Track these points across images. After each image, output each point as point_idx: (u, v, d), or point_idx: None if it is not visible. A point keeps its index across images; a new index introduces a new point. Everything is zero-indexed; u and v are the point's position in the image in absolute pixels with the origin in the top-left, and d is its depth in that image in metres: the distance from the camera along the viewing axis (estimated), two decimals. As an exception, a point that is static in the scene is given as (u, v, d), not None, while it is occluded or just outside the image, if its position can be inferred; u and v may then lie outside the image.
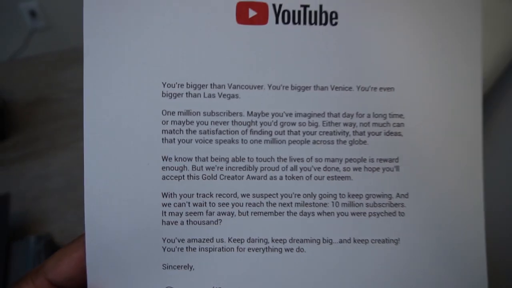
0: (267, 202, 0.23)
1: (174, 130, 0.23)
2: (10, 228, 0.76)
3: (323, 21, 0.22)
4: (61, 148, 0.91)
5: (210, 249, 0.23)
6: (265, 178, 0.23)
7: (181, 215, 0.23)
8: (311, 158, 0.23)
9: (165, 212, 0.23)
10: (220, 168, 0.23)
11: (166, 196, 0.23)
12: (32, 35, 1.10)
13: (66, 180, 0.87)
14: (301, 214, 0.23)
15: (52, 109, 1.00)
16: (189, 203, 0.23)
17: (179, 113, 0.23)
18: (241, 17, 0.22)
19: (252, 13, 0.22)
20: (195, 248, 0.23)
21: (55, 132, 0.95)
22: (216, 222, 0.23)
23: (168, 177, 0.23)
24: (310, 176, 0.23)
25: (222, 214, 0.23)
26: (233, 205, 0.23)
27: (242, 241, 0.23)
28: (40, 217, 0.81)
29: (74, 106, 0.98)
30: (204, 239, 0.23)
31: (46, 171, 0.89)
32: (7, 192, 0.81)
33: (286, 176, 0.23)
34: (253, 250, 0.23)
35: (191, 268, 0.23)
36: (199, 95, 0.23)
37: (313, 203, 0.23)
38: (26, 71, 1.08)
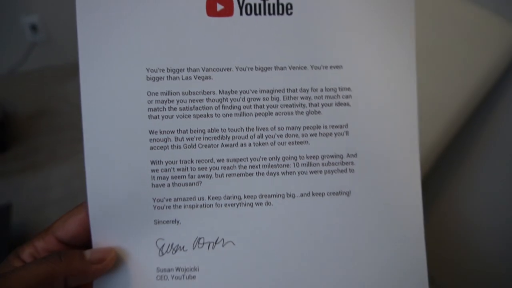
0: (239, 165, 0.29)
1: (158, 108, 0.28)
2: (11, 238, 0.80)
3: (280, 12, 0.28)
4: (61, 160, 0.97)
5: (193, 206, 0.29)
6: (236, 145, 0.29)
7: (167, 178, 0.29)
8: (275, 127, 0.29)
9: (154, 177, 0.29)
10: (198, 139, 0.29)
11: (154, 163, 0.29)
12: (33, 48, 1.16)
13: (66, 191, 0.91)
14: (268, 174, 0.29)
15: (53, 122, 1.05)
16: (173, 168, 0.29)
17: (162, 93, 0.28)
18: (211, 10, 0.28)
19: (219, 7, 0.28)
20: (181, 206, 0.29)
21: (56, 144, 1.00)
22: (197, 184, 0.29)
23: (155, 148, 0.28)
24: (274, 142, 0.29)
25: (202, 177, 0.29)
26: (210, 169, 0.29)
27: (220, 198, 0.29)
28: (41, 227, 0.85)
29: (75, 119, 1.02)
30: (188, 197, 0.29)
31: (46, 182, 0.94)
32: (8, 202, 0.86)
33: (254, 143, 0.29)
34: (229, 206, 0.29)
35: (178, 222, 0.29)
36: (177, 78, 0.28)
37: (278, 164, 0.29)
38: (27, 84, 1.14)
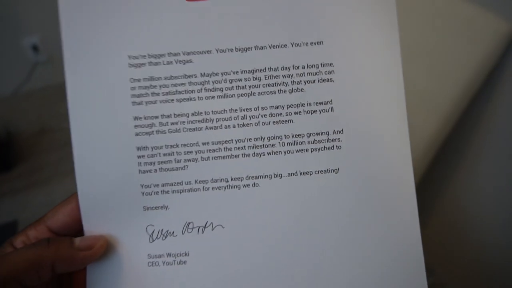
0: (224, 148, 0.28)
1: (141, 94, 0.28)
2: None
3: (257, -8, 0.28)
4: (65, 176, 0.96)
5: (181, 191, 0.28)
6: (220, 127, 0.28)
7: (154, 164, 0.28)
8: (258, 107, 0.28)
9: (140, 163, 0.28)
10: (182, 123, 0.28)
11: (140, 149, 0.28)
12: (35, 68, 1.16)
13: (71, 205, 0.92)
14: (253, 155, 0.28)
15: (56, 139, 1.05)
16: (159, 153, 0.28)
17: (144, 79, 0.28)
18: (189, -5, 0.28)
19: (197, -9, 0.28)
20: (168, 191, 0.28)
21: (59, 160, 1.00)
22: (183, 168, 0.28)
23: (140, 134, 0.28)
24: (258, 122, 0.28)
25: (188, 161, 0.28)
26: (196, 153, 0.28)
27: (207, 181, 0.28)
28: None
29: None
30: (175, 182, 0.28)
31: (51, 198, 0.94)
32: (14, 219, 0.86)
33: (238, 124, 0.28)
34: (216, 189, 0.28)
35: (166, 208, 0.28)
36: (159, 63, 0.28)
37: (263, 144, 0.28)
38: (30, 103, 1.14)
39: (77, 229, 0.29)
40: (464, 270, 0.86)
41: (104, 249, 0.28)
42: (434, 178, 0.86)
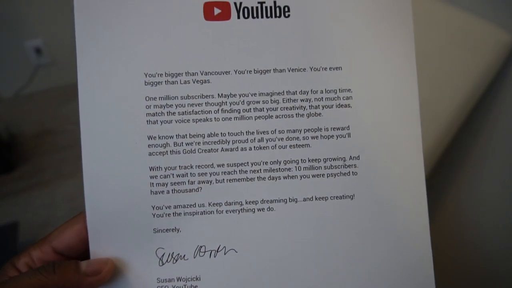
0: (239, 170, 0.27)
1: (156, 113, 0.27)
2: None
3: (278, 14, 0.27)
4: (66, 178, 0.95)
5: (194, 213, 0.27)
6: (236, 149, 0.27)
7: (166, 185, 0.27)
8: (275, 130, 0.27)
9: (152, 183, 0.27)
10: (198, 143, 0.27)
11: (153, 170, 0.27)
12: (38, 71, 1.15)
13: (71, 207, 0.90)
14: (269, 178, 0.27)
15: (57, 141, 1.04)
16: (173, 174, 0.27)
17: (160, 98, 0.27)
18: (208, 14, 0.27)
19: (217, 11, 0.27)
20: (181, 213, 0.27)
21: (60, 162, 0.99)
22: (197, 190, 0.27)
23: (153, 153, 0.27)
24: (275, 145, 0.27)
25: (202, 183, 0.27)
26: (210, 174, 0.27)
27: (220, 204, 0.27)
28: None
29: (78, 137, 1.03)
30: (188, 204, 0.27)
31: (52, 200, 0.93)
32: (15, 220, 0.85)
33: (254, 147, 0.27)
34: (230, 212, 0.27)
35: (178, 231, 0.27)
36: (176, 82, 0.27)
37: (279, 168, 0.27)
38: (32, 106, 1.13)
39: (83, 250, 0.27)
40: (465, 275, 0.85)
41: (112, 274, 0.27)
42: (434, 187, 0.86)
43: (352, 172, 0.27)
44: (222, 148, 0.27)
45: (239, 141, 0.27)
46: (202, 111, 0.27)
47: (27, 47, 1.13)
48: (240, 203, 0.27)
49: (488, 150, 0.77)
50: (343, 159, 0.27)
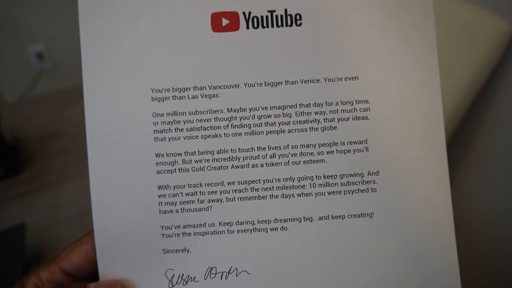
0: (251, 188, 0.25)
1: (164, 129, 0.24)
2: (27, 257, 0.77)
3: (289, 23, 0.24)
4: (71, 179, 0.93)
5: (204, 233, 0.25)
6: (247, 166, 0.25)
7: (175, 204, 0.24)
8: (288, 145, 0.25)
9: (161, 203, 0.24)
10: (207, 160, 0.24)
11: (161, 188, 0.24)
12: (40, 75, 1.13)
13: (77, 208, 0.88)
14: (282, 196, 0.25)
15: (61, 143, 1.02)
16: (182, 193, 0.24)
17: (168, 114, 0.24)
18: (216, 26, 0.24)
19: (225, 21, 0.24)
20: (190, 233, 0.25)
21: (65, 164, 0.97)
22: (207, 209, 0.25)
23: (162, 171, 0.24)
24: (288, 161, 0.25)
25: (212, 201, 0.25)
26: (221, 193, 0.25)
27: (231, 224, 0.25)
28: (54, 245, 0.81)
29: (82, 139, 1.00)
30: (198, 224, 0.25)
31: (58, 201, 0.91)
32: (22, 222, 0.82)
33: (266, 163, 0.25)
34: (242, 232, 0.25)
35: (188, 251, 0.25)
36: (183, 97, 0.24)
37: (293, 185, 0.25)
38: (36, 109, 1.10)
39: (92, 271, 0.25)
40: (475, 268, 0.83)
41: None
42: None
43: (371, 188, 0.25)
44: (233, 165, 0.25)
45: (250, 158, 0.25)
46: (211, 126, 0.24)
47: (29, 52, 1.11)
48: (252, 222, 0.25)
49: (491, 142, 0.73)
50: (361, 175, 0.25)
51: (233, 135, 0.24)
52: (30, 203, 0.90)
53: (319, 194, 0.25)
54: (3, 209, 0.88)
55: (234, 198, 0.25)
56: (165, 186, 0.24)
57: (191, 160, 0.24)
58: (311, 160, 0.25)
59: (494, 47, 0.65)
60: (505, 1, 0.65)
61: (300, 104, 0.25)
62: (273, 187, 0.25)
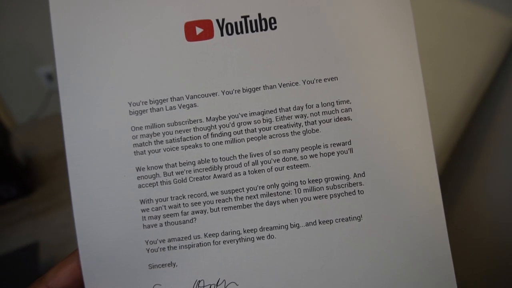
0: (235, 197, 0.24)
1: (143, 143, 0.24)
2: (40, 275, 0.78)
3: (264, 27, 0.24)
4: (83, 197, 0.95)
5: (189, 246, 0.24)
6: (230, 175, 0.24)
7: (159, 218, 0.24)
8: (270, 151, 0.24)
9: (144, 217, 0.24)
10: (189, 172, 0.24)
11: (144, 202, 0.24)
12: (50, 96, 1.15)
13: (89, 225, 0.89)
14: (267, 203, 0.24)
15: (72, 162, 1.04)
16: (165, 206, 0.24)
17: (146, 127, 0.24)
18: (190, 35, 0.24)
19: (199, 30, 0.24)
20: (176, 247, 0.24)
21: None
22: (191, 221, 0.24)
23: (143, 185, 0.24)
24: (271, 168, 0.24)
25: (196, 213, 0.24)
26: (204, 203, 0.24)
27: (217, 235, 0.24)
28: None
29: None
30: (183, 237, 0.24)
31: (70, 220, 0.90)
32: (35, 241, 0.83)
33: (249, 171, 0.24)
34: (228, 242, 0.24)
35: (174, 265, 0.24)
36: (161, 109, 0.24)
37: (277, 192, 0.24)
38: (47, 129, 1.12)
39: None
40: (483, 267, 0.80)
41: None
42: (447, 182, 0.81)
43: (358, 190, 0.24)
44: (215, 174, 0.24)
45: (232, 166, 0.24)
46: (190, 137, 0.24)
47: (39, 74, 1.12)
48: (238, 232, 0.24)
49: (502, 140, 0.71)
50: (347, 177, 0.24)
51: (213, 144, 0.24)
52: (43, 222, 0.90)
53: (305, 199, 0.24)
54: (17, 229, 0.89)
55: (218, 208, 0.24)
56: (148, 200, 0.24)
57: (172, 172, 0.24)
58: (294, 165, 0.24)
59: (497, 46, 0.64)
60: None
61: (280, 109, 0.24)
62: (257, 195, 0.24)
